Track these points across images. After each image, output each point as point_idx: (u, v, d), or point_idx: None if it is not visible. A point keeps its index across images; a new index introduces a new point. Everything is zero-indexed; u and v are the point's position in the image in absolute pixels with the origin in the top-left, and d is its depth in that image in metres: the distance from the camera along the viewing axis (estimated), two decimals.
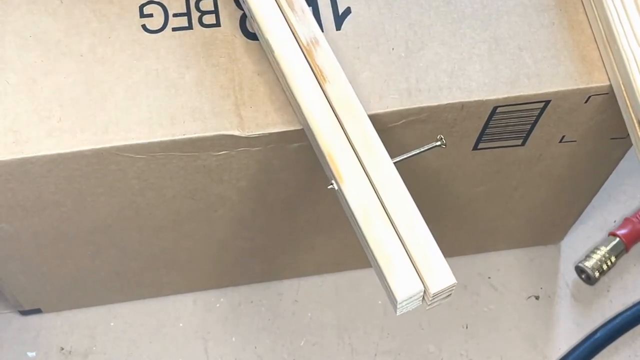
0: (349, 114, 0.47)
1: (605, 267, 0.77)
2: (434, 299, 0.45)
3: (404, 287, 0.44)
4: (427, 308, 0.46)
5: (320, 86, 0.47)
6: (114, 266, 0.67)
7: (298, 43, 0.48)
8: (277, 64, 0.49)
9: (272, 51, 0.49)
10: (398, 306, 0.44)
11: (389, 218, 0.45)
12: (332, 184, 0.47)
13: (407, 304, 0.45)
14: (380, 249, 0.45)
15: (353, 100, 0.48)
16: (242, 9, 0.54)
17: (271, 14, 0.49)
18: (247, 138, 0.52)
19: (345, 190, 0.46)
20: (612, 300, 0.77)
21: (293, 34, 0.48)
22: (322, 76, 0.47)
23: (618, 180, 0.82)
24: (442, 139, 0.52)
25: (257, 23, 0.49)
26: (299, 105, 0.48)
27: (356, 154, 0.47)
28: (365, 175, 0.46)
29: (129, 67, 0.52)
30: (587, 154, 0.62)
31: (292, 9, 0.49)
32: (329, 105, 0.47)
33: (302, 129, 0.52)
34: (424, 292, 0.44)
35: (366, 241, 0.45)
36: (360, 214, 0.45)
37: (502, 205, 0.69)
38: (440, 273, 0.44)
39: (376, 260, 0.45)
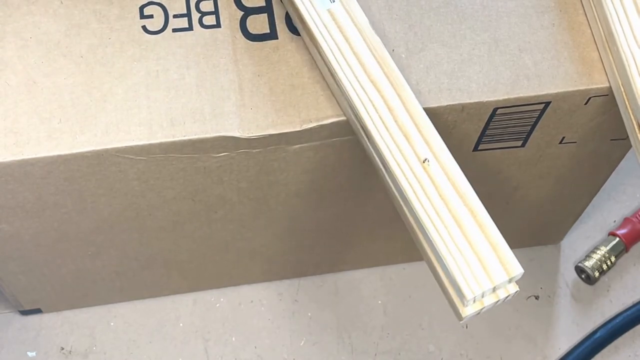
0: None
1: (605, 267, 0.77)
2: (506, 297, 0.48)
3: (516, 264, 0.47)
4: (485, 307, 0.49)
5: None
6: (114, 266, 0.67)
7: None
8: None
9: (385, 65, 0.51)
10: (507, 278, 0.47)
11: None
12: (426, 159, 0.49)
13: (501, 285, 0.48)
14: (490, 222, 0.48)
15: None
16: (242, 10, 0.54)
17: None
18: (247, 139, 0.52)
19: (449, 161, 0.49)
20: (612, 300, 0.77)
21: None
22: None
23: (618, 180, 0.82)
24: None
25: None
26: (409, 100, 0.50)
27: None
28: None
29: (129, 68, 0.52)
30: (587, 155, 0.62)
31: None
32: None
33: (301, 131, 0.52)
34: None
35: (474, 210, 0.48)
36: (468, 186, 0.49)
37: (502, 206, 0.69)
38: None
39: (485, 230, 0.48)
